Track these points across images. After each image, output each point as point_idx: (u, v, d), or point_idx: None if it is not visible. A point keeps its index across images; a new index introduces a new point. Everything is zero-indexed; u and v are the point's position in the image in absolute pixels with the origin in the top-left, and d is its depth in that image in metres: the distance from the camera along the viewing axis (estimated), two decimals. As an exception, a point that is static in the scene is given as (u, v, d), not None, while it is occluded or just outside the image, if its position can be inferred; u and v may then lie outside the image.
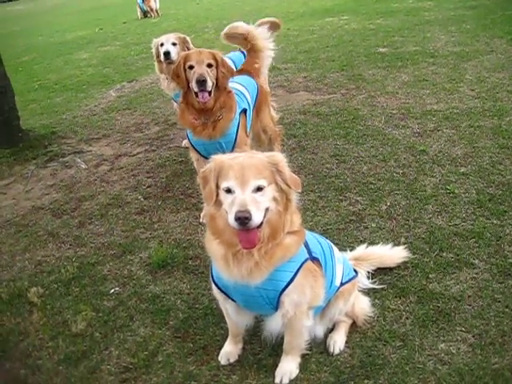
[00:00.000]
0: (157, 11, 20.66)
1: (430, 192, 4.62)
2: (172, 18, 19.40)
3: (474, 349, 2.99)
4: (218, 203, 2.50)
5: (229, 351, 3.15)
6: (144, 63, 11.57)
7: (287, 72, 9.05)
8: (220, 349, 3.17)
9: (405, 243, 3.92)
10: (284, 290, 2.65)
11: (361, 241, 4.02)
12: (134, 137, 7.05)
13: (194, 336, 3.35)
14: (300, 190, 2.56)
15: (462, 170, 4.91)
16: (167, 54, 5.68)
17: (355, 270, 3.34)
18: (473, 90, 6.98)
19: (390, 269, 3.67)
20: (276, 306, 2.73)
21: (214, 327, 3.40)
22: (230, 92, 4.42)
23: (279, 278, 2.64)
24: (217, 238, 2.59)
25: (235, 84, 4.64)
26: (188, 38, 5.93)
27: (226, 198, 2.42)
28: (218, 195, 2.49)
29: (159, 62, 5.87)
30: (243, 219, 2.29)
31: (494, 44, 9.19)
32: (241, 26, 5.05)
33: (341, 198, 4.71)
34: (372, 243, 3.85)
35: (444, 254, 3.80)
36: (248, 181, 2.37)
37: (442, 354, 2.98)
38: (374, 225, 4.26)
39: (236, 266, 2.56)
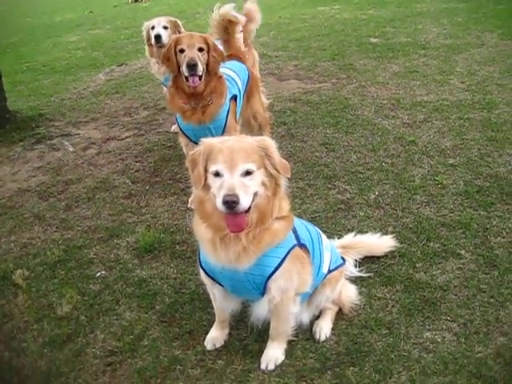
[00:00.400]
0: (147, -4, 20.49)
1: (419, 182, 4.63)
2: (163, 3, 19.20)
3: (458, 338, 3.01)
4: (207, 187, 2.48)
5: (215, 336, 3.15)
6: (134, 47, 11.45)
7: (278, 60, 9.01)
8: (206, 334, 3.17)
9: (392, 232, 3.94)
10: (271, 275, 2.65)
11: (349, 229, 4.02)
12: (123, 121, 6.99)
13: (180, 321, 3.34)
14: (289, 175, 2.55)
15: (450, 162, 4.93)
16: (158, 37, 5.61)
17: (343, 258, 3.34)
18: (463, 83, 7.00)
19: (378, 257, 3.68)
20: (263, 291, 2.72)
21: (200, 312, 3.39)
22: (220, 77, 4.37)
23: (266, 264, 2.63)
24: (205, 221, 2.58)
25: (226, 70, 4.60)
26: (179, 22, 5.88)
27: (214, 182, 2.41)
28: (206, 179, 2.48)
29: (150, 45, 5.81)
30: (231, 203, 2.28)
31: (485, 37, 9.22)
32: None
33: (329, 186, 4.71)
34: (360, 232, 3.86)
35: (431, 244, 3.82)
36: (237, 164, 2.35)
37: (427, 343, 3.00)
38: (362, 213, 4.27)
39: (223, 251, 2.55)
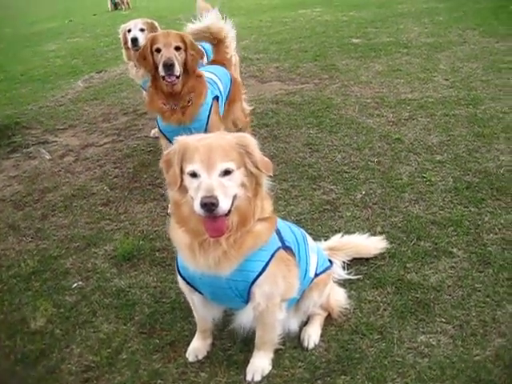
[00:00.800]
0: (128, 3, 20.29)
1: (406, 180, 4.49)
2: (143, 10, 18.99)
3: (454, 340, 2.87)
4: (183, 189, 2.31)
5: (197, 347, 2.97)
6: (113, 54, 11.26)
7: (259, 62, 8.88)
8: (188, 345, 2.99)
9: (381, 232, 3.80)
10: (255, 280, 2.48)
11: (335, 230, 3.88)
12: (102, 127, 6.79)
13: (161, 332, 3.16)
14: (271, 174, 2.38)
15: (438, 158, 4.81)
16: (135, 40, 5.45)
17: (330, 261, 3.18)
18: (447, 80, 6.91)
19: (367, 259, 3.53)
20: (246, 298, 2.56)
21: (181, 322, 3.21)
22: (199, 76, 4.23)
23: (249, 269, 2.47)
24: (182, 226, 2.41)
25: (208, 73, 4.46)
26: (156, 24, 5.73)
27: (191, 183, 2.24)
28: (182, 180, 2.30)
29: (127, 48, 5.66)
30: (209, 205, 2.11)
31: (467, 35, 9.17)
32: (196, 26, 4.82)
33: (314, 186, 4.55)
34: (347, 233, 3.70)
35: (422, 243, 3.68)
36: (214, 164, 2.18)
37: (422, 347, 2.85)
38: (348, 214, 4.12)
39: (202, 256, 2.37)
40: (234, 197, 2.25)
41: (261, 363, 2.82)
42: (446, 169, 4.61)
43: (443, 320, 3.01)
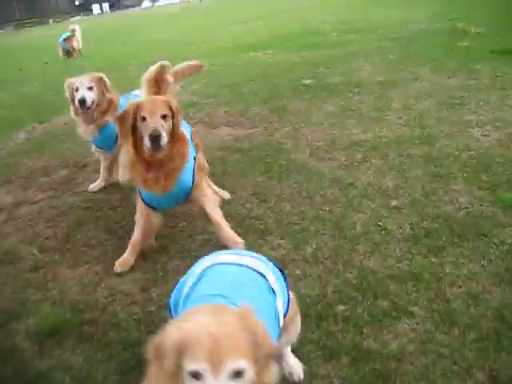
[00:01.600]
0: (79, 50, 19.94)
1: (361, 230, 4.15)
2: (96, 57, 18.66)
3: (420, 422, 2.47)
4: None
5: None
6: (60, 103, 10.74)
7: (208, 107, 8.57)
8: None
9: (334, 292, 3.42)
10: None
11: (284, 292, 3.47)
12: (39, 182, 6.34)
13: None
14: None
15: (393, 203, 4.48)
16: (83, 101, 5.22)
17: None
18: (400, 118, 6.67)
19: (318, 324, 3.13)
20: None
21: (106, 412, 2.76)
22: (183, 138, 4.01)
23: None
24: None
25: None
26: (104, 76, 5.44)
27: None
28: (177, 376, 1.80)
29: (74, 105, 5.37)
30: None
31: (418, 72, 9.04)
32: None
33: (261, 241, 4.17)
34: (297, 293, 3.30)
35: (379, 302, 3.30)
36: (223, 363, 1.72)
37: (384, 432, 2.45)
38: (298, 272, 3.72)
39: None
40: None
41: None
42: (403, 215, 4.28)
43: (406, 396, 2.63)
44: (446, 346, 2.90)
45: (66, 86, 5.39)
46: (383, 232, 4.08)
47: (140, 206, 4.20)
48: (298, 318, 2.68)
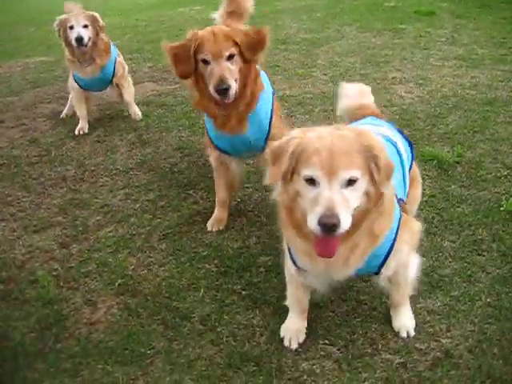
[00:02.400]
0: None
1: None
2: (12, 12, 17.57)
3: (340, 365, 2.50)
4: (291, 190, 2.05)
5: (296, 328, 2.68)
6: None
7: (132, 62, 8.24)
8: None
9: (256, 243, 3.40)
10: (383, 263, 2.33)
11: (206, 245, 3.44)
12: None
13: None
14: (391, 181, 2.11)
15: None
16: (80, 39, 4.97)
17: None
18: (325, 75, 6.68)
19: (241, 276, 3.11)
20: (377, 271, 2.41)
21: (24, 370, 2.64)
22: (257, 77, 3.37)
23: (375, 257, 2.27)
24: (295, 231, 2.15)
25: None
26: (97, 16, 5.19)
27: (306, 191, 1.96)
28: (292, 177, 2.03)
29: (69, 45, 5.14)
30: (330, 226, 1.85)
31: (344, 31, 9.10)
32: None
33: (184, 195, 4.09)
34: (219, 246, 3.28)
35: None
36: (337, 171, 1.90)
37: (305, 376, 2.47)
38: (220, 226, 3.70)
39: (322, 261, 2.14)
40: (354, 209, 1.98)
41: (406, 319, 2.67)
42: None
43: (327, 342, 2.66)
44: (367, 294, 2.95)
45: (56, 24, 5.11)
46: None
47: (213, 156, 3.63)
48: (420, 184, 2.92)
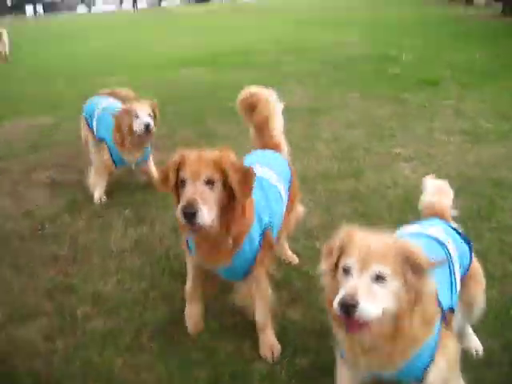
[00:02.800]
0: (5, 55, 18.62)
1: (281, 276, 3.92)
2: (22, 65, 17.60)
3: None
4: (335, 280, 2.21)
5: None
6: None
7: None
8: None
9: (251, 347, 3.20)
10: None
11: (197, 347, 3.24)
12: None
13: None
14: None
15: (318, 246, 4.26)
16: (148, 126, 5.17)
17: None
18: (329, 149, 6.66)
19: None
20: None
21: None
22: (243, 210, 2.96)
23: (415, 365, 2.27)
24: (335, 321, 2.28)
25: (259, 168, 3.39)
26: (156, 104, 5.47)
27: (342, 280, 2.15)
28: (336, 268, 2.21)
29: (120, 131, 5.32)
30: (347, 307, 1.99)
31: (349, 99, 9.18)
32: None
33: (177, 286, 3.82)
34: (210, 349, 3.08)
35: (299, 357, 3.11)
36: (368, 264, 2.07)
37: None
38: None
39: (363, 358, 2.26)
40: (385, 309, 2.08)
41: None
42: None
43: None
44: None
45: (118, 116, 5.28)
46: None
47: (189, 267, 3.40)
48: (480, 283, 2.86)
